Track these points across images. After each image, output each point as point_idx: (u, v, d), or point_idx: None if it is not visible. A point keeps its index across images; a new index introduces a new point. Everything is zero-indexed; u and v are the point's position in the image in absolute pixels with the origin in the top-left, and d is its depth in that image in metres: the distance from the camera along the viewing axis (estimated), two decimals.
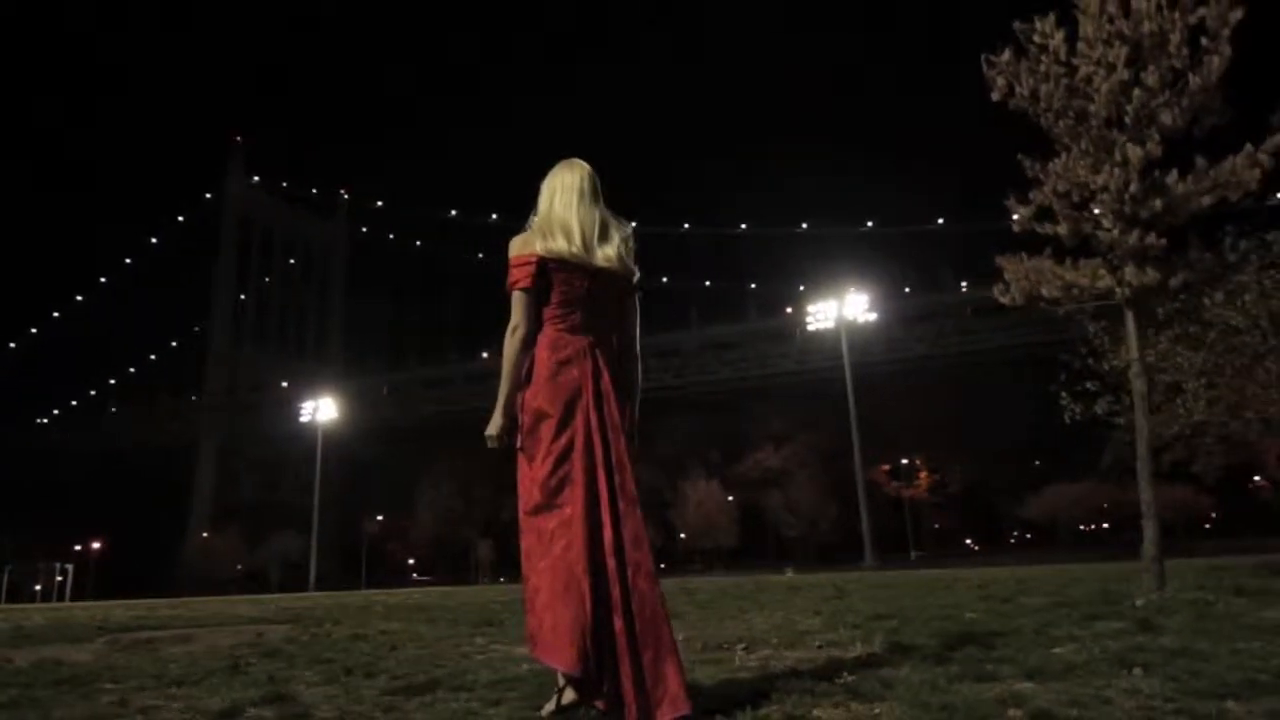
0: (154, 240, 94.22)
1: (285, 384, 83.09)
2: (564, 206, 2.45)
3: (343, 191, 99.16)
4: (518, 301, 2.40)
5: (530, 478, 2.34)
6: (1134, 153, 5.73)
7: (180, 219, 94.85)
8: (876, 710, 2.19)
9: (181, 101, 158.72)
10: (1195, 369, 8.80)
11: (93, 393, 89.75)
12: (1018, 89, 6.24)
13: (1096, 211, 6.15)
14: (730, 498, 54.77)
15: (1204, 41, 5.72)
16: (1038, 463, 54.67)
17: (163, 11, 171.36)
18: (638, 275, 2.52)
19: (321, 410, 54.54)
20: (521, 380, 2.40)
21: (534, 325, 2.43)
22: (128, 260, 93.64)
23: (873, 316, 44.81)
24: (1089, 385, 9.06)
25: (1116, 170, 5.83)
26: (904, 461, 59.61)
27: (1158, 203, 5.79)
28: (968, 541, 61.92)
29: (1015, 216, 6.47)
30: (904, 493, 58.51)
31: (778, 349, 68.38)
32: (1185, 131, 5.89)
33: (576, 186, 2.47)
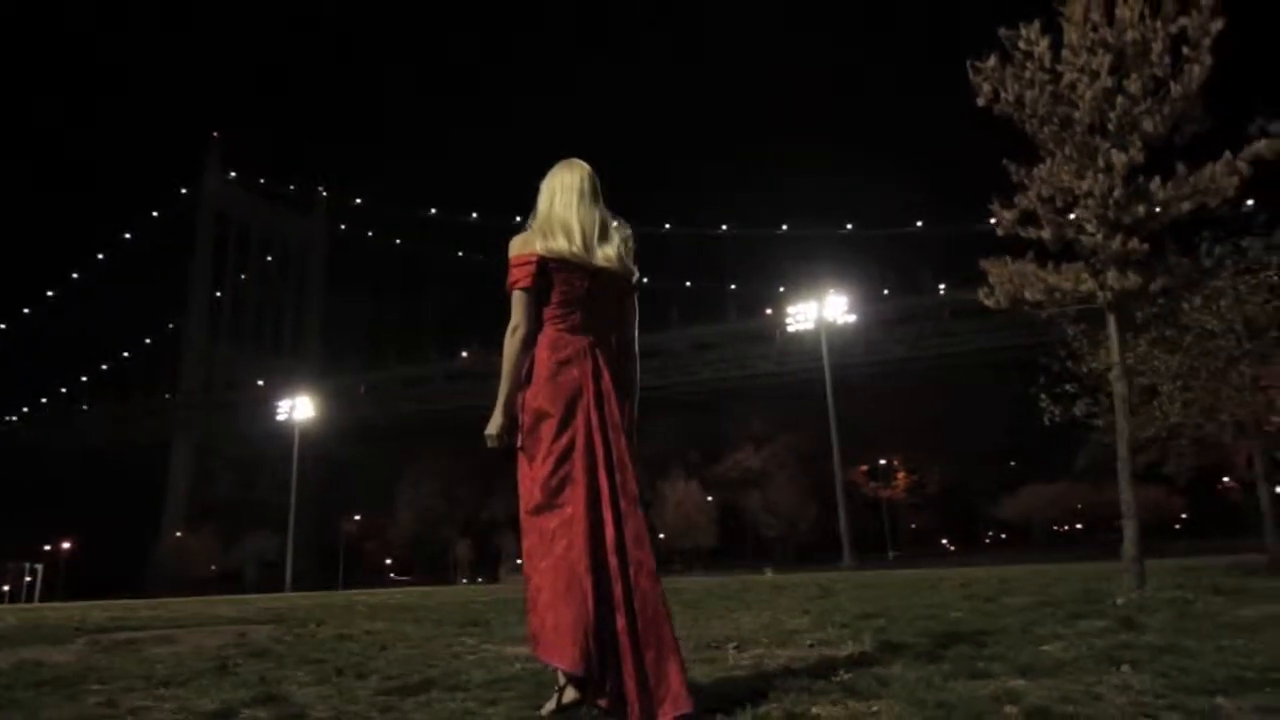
0: (127, 236, 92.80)
1: (262, 382, 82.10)
2: (564, 206, 2.45)
3: (321, 189, 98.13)
4: (518, 301, 2.40)
5: (531, 477, 2.34)
6: (1118, 159, 5.83)
7: (155, 214, 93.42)
8: (874, 708, 2.21)
9: (179, 101, 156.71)
10: (1172, 372, 8.97)
11: (64, 390, 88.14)
12: (1003, 94, 6.32)
13: (1079, 216, 6.24)
14: (709, 498, 54.85)
15: (1185, 50, 5.83)
16: (1014, 464, 55.27)
17: (163, 11, 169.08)
18: (637, 275, 2.53)
19: (299, 409, 54.15)
20: (522, 380, 2.40)
21: (534, 325, 2.43)
22: (100, 256, 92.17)
23: (852, 318, 45.27)
24: (1068, 388, 9.20)
25: (1100, 176, 5.92)
26: (881, 462, 60.02)
27: (1140, 208, 5.89)
28: (944, 542, 62.50)
29: (1000, 220, 6.55)
30: (882, 493, 58.96)
31: (758, 350, 68.59)
32: (1166, 138, 6.01)
33: (576, 186, 2.48)
